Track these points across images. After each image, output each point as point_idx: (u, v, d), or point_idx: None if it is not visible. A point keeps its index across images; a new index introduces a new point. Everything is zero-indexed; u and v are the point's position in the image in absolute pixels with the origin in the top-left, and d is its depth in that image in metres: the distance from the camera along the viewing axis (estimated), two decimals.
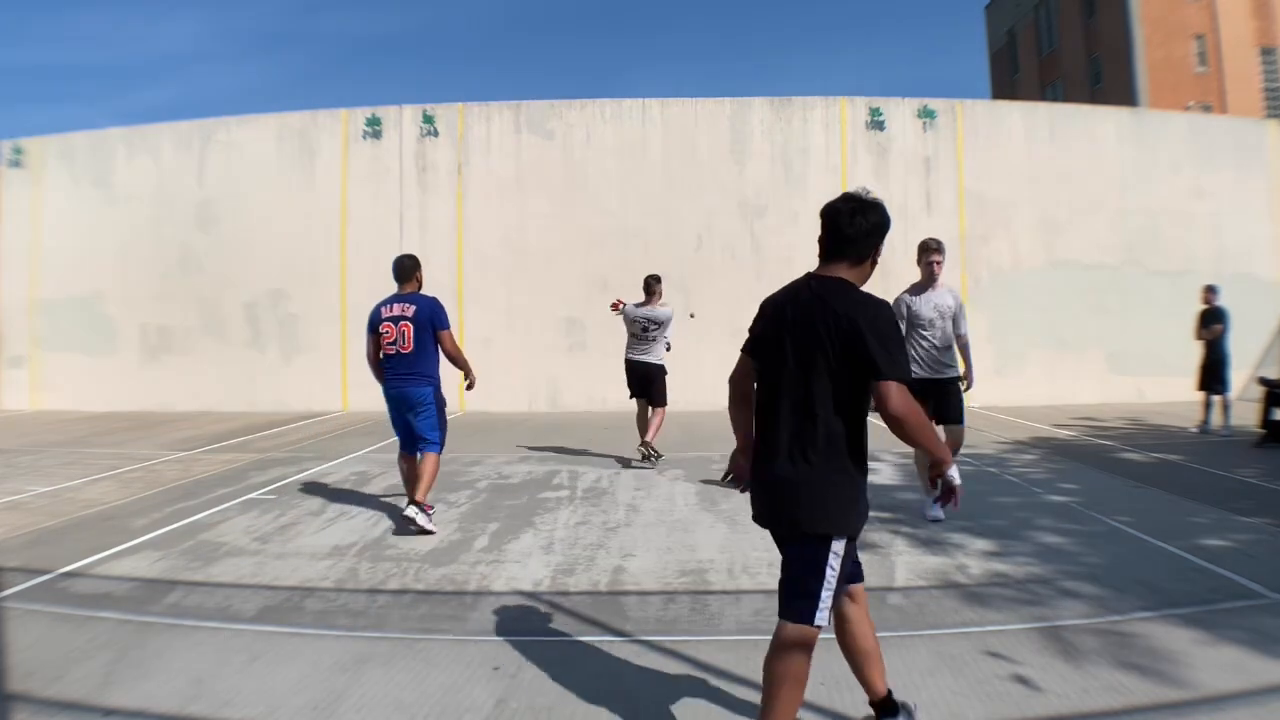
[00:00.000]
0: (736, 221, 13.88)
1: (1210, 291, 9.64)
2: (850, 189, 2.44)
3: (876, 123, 13.96)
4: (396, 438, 5.60)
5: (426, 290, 5.64)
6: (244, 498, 6.39)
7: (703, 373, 13.46)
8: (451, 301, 13.75)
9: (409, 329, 5.31)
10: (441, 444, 5.47)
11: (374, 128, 14.02)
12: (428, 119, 13.98)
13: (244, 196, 14.08)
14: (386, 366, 5.43)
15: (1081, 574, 4.18)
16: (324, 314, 13.84)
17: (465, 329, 13.59)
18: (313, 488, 6.79)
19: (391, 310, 5.39)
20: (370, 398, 13.81)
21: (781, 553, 2.37)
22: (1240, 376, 9.81)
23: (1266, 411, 8.57)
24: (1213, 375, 9.47)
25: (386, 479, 7.16)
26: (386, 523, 5.52)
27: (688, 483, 6.90)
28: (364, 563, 4.57)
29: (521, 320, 13.75)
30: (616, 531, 5.25)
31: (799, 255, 13.84)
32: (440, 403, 5.46)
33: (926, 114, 14.02)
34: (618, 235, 13.78)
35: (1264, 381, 8.76)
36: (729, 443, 2.66)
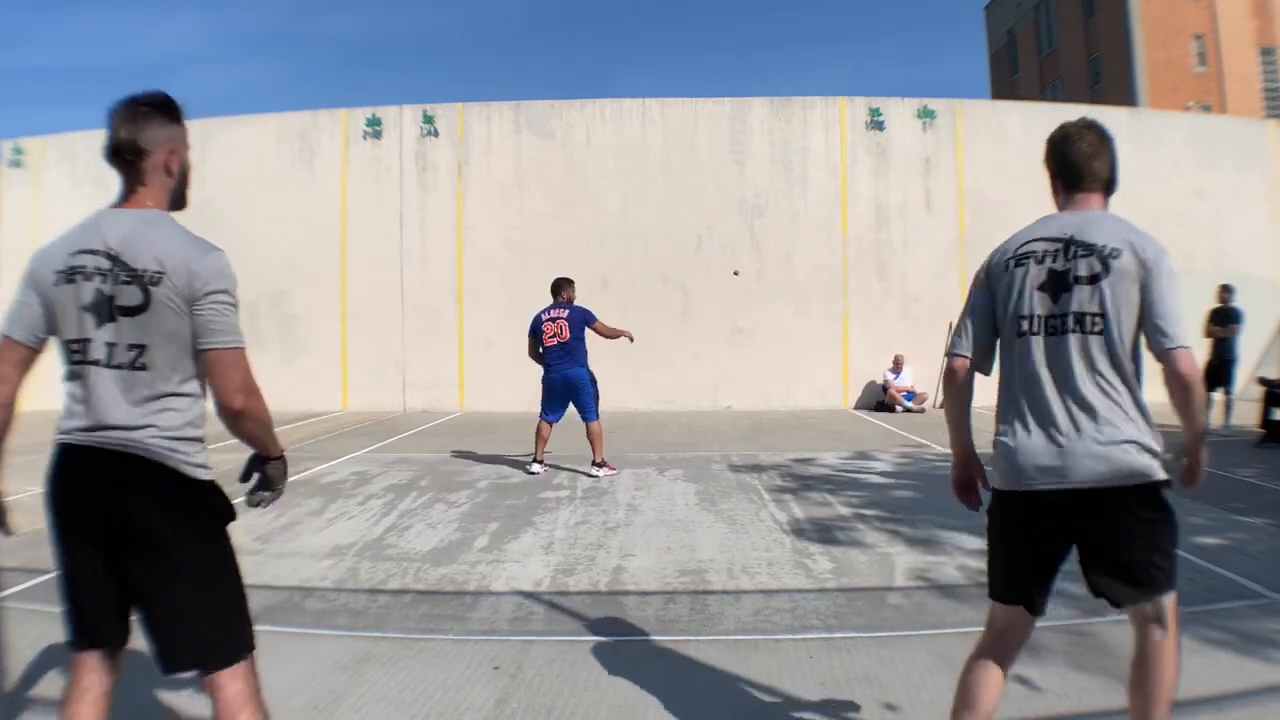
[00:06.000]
0: (736, 221, 13.86)
1: (1226, 291, 9.63)
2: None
3: (876, 123, 13.95)
4: (540, 408, 7.26)
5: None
6: (244, 497, 6.38)
7: (703, 372, 13.67)
8: (451, 301, 13.78)
9: (565, 326, 7.07)
10: (598, 414, 7.08)
11: (374, 128, 14.02)
12: (428, 119, 13.97)
13: (244, 196, 14.07)
14: (548, 357, 7.13)
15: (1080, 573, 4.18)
16: (324, 314, 13.83)
17: (465, 329, 13.59)
18: (313, 488, 6.79)
19: (550, 315, 7.22)
20: (370, 398, 13.96)
21: None
22: (1240, 376, 9.80)
23: (1266, 411, 8.58)
24: (1219, 375, 9.46)
25: (386, 479, 7.16)
26: (386, 522, 5.53)
27: (688, 483, 6.91)
28: (364, 563, 4.57)
29: (521, 320, 13.48)
30: (616, 531, 5.25)
31: (799, 255, 13.87)
32: (592, 380, 7.11)
33: (926, 114, 14.00)
34: (618, 235, 13.78)
35: (1264, 381, 8.77)
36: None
